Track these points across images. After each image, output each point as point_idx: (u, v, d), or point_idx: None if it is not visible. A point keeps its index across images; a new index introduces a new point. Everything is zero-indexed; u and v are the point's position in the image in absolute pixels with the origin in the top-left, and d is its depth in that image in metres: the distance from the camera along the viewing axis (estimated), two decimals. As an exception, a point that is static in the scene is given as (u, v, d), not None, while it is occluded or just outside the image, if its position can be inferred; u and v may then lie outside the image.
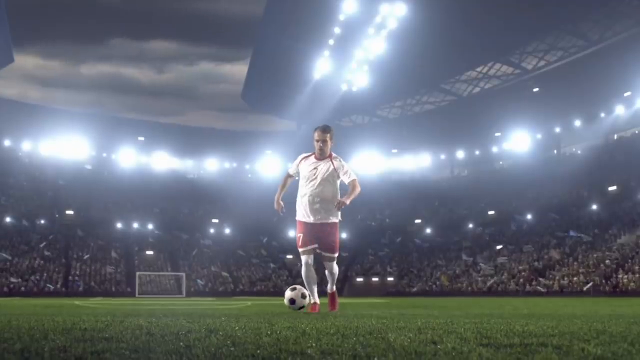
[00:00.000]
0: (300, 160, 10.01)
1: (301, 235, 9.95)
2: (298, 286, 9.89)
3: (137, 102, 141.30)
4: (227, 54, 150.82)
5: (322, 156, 9.81)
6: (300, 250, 10.02)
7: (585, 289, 47.60)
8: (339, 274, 10.68)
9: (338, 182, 9.86)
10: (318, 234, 9.87)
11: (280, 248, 68.69)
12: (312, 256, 9.99)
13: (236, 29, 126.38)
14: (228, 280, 64.38)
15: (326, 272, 10.32)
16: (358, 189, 9.74)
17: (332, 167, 9.74)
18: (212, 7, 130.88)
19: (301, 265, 10.20)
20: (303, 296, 9.75)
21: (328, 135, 9.81)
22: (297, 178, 10.12)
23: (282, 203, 10.15)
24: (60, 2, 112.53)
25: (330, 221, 9.87)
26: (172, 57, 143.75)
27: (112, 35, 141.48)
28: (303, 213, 9.89)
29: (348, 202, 9.57)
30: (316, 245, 9.93)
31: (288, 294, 9.80)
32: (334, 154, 9.91)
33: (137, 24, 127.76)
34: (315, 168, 9.78)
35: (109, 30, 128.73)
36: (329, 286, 10.49)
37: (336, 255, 10.10)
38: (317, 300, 10.16)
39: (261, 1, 69.12)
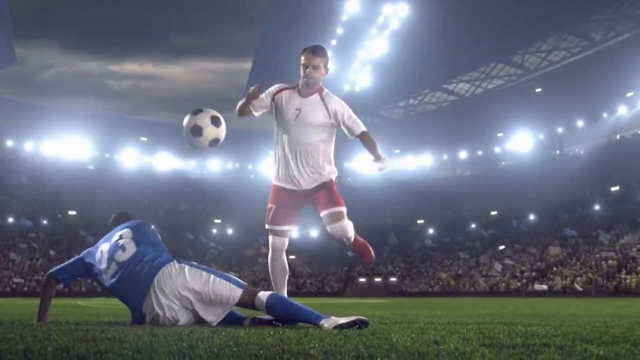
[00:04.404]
0: (277, 92, 6.84)
1: (273, 207, 6.90)
2: (204, 108, 6.49)
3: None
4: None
5: (309, 90, 6.66)
6: (268, 227, 6.94)
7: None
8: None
9: (333, 130, 6.83)
10: (304, 200, 6.86)
11: (283, 248, 68.55)
12: (285, 240, 6.96)
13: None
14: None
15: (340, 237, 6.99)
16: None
17: (324, 109, 6.66)
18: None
19: (268, 250, 7.08)
20: (215, 122, 6.41)
21: (322, 60, 6.62)
22: (266, 111, 6.91)
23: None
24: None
25: (323, 180, 6.82)
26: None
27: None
28: (281, 174, 6.85)
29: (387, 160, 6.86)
30: (293, 226, 6.98)
31: (188, 120, 6.41)
32: (325, 89, 6.77)
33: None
34: (298, 109, 6.65)
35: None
36: (352, 237, 7.08)
37: (344, 209, 6.81)
38: None
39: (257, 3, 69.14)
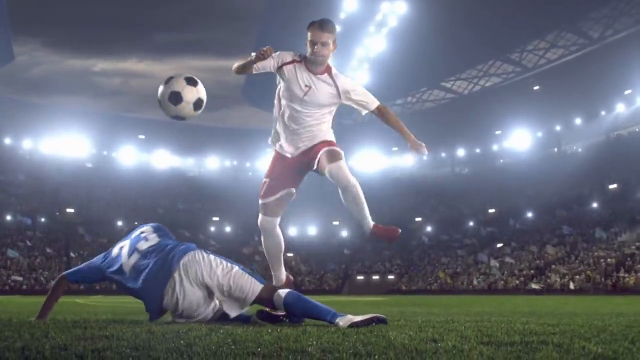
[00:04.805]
0: (287, 63, 6.49)
1: (267, 180, 6.45)
2: (174, 74, 6.18)
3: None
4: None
5: (317, 68, 6.27)
6: (260, 202, 6.46)
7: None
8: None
9: (335, 108, 6.53)
10: (302, 160, 6.36)
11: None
12: (275, 220, 6.48)
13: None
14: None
15: (341, 194, 6.20)
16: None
17: (334, 88, 6.30)
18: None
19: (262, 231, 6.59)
20: (191, 82, 6.06)
21: (331, 36, 6.20)
22: (263, 72, 6.63)
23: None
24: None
25: (320, 140, 6.37)
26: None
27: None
28: (279, 143, 6.51)
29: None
30: (288, 189, 6.43)
31: (163, 90, 6.08)
32: (334, 69, 6.38)
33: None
34: (308, 86, 6.26)
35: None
36: (366, 221, 6.38)
37: (339, 149, 6.29)
38: (284, 277, 6.76)
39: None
